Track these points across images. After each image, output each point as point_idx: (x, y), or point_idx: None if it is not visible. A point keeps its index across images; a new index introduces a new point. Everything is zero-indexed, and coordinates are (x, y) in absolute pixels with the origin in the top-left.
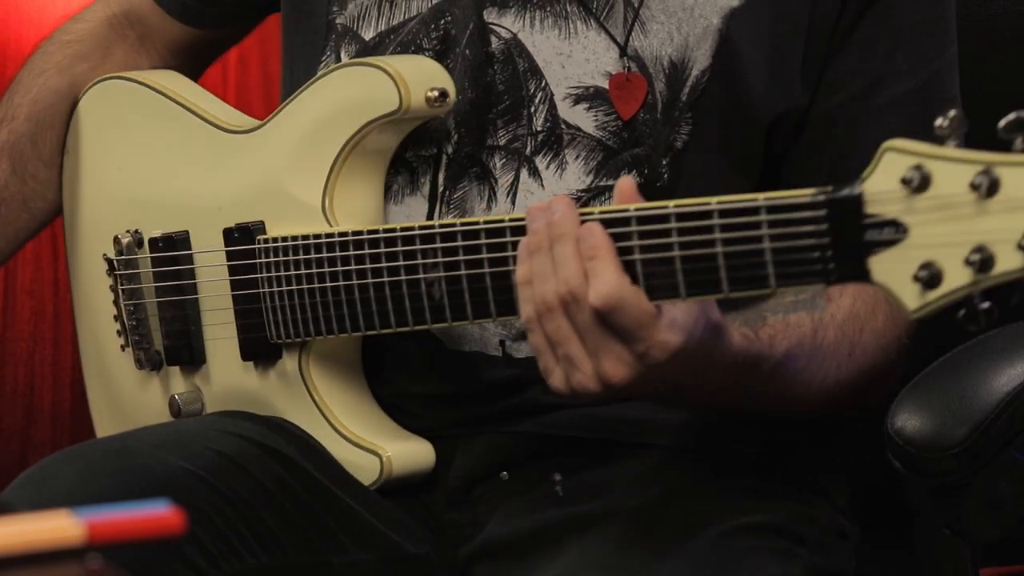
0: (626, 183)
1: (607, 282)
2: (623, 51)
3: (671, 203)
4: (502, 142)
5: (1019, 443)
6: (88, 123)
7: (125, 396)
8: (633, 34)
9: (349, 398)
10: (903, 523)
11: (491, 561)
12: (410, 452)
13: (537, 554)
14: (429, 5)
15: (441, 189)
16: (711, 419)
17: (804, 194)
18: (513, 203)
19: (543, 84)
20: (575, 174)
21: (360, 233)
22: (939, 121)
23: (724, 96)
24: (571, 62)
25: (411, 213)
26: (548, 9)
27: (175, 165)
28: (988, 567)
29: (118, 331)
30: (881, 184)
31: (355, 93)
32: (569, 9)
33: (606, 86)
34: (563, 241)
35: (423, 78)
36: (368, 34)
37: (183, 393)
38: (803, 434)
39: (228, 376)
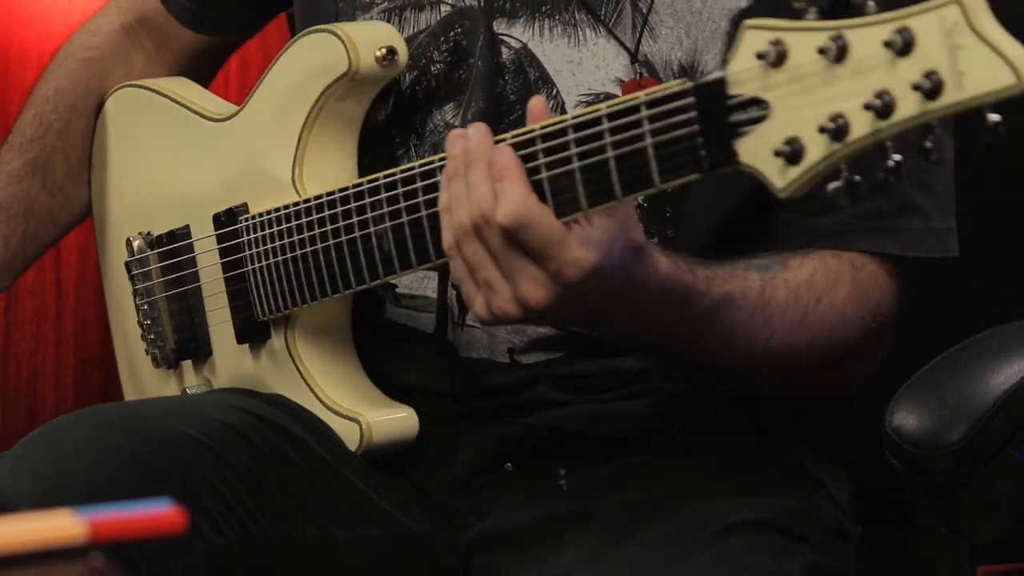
0: (536, 103)
1: (512, 199)
2: (634, 57)
3: (568, 116)
4: None
5: (1017, 442)
6: (106, 134)
7: (149, 394)
8: (643, 40)
9: (335, 369)
10: (902, 522)
11: (491, 552)
12: (391, 419)
13: (537, 547)
14: (438, 18)
15: None
16: (713, 417)
17: (675, 84)
18: None
19: (554, 92)
20: None
21: (320, 197)
22: None
23: None
24: (581, 69)
25: None
26: (557, 18)
27: (175, 163)
28: (985, 565)
29: (141, 335)
30: (742, 63)
31: (311, 61)
32: (578, 17)
33: (616, 92)
34: (476, 166)
35: (372, 39)
36: None
37: (193, 386)
38: (805, 433)
39: (230, 363)
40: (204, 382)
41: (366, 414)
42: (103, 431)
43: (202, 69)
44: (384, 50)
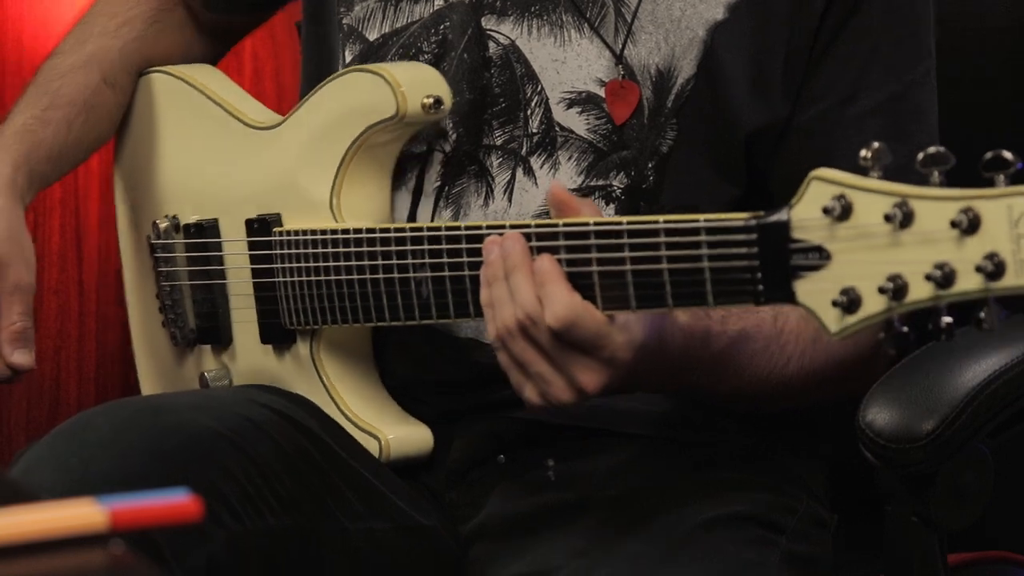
0: (556, 189)
1: (559, 302)
2: (618, 59)
3: (624, 219)
4: (499, 142)
5: (984, 435)
6: (134, 112)
7: (166, 369)
8: (624, 43)
9: (357, 382)
10: (877, 512)
11: (487, 542)
12: (408, 436)
13: (527, 537)
14: (431, 10)
15: (438, 184)
16: (696, 412)
17: (739, 217)
18: (510, 201)
19: (539, 88)
20: (567, 174)
21: (360, 231)
22: (863, 152)
23: (707, 104)
24: (565, 68)
25: (396, 207)
26: (544, 18)
27: (208, 157)
28: (955, 553)
29: (160, 308)
30: (807, 211)
31: (358, 98)
32: (564, 18)
33: (597, 91)
34: (517, 272)
35: (420, 85)
36: (372, 35)
37: (212, 371)
38: (784, 427)
39: (251, 357)
40: (222, 367)
41: (385, 431)
42: (128, 424)
43: (217, 46)
44: (432, 99)
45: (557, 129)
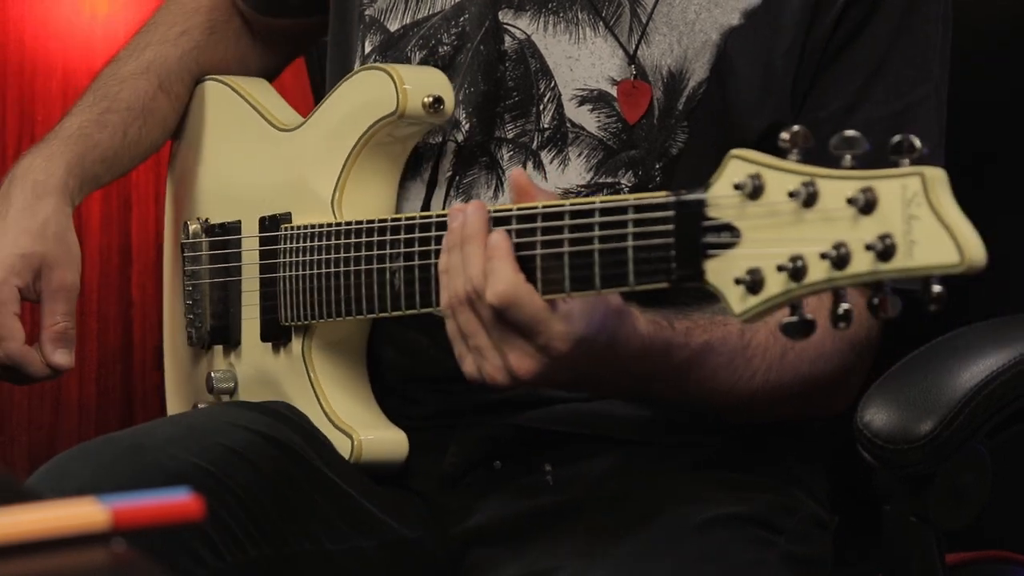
0: (518, 175)
1: (501, 279)
2: (632, 59)
3: (567, 202)
4: (510, 135)
5: (982, 436)
6: (187, 118)
7: (182, 370)
8: (639, 44)
9: (344, 381)
10: (876, 512)
11: (483, 546)
12: (383, 441)
13: (527, 541)
14: (452, 2)
15: (450, 174)
16: (694, 418)
17: (661, 195)
18: None
19: (552, 84)
20: (576, 170)
21: (350, 224)
22: (783, 134)
23: (719, 107)
24: (579, 65)
25: (409, 197)
26: (561, 15)
27: (241, 161)
28: (954, 553)
29: (184, 311)
30: (722, 189)
31: (366, 94)
32: (580, 16)
33: (608, 89)
34: (471, 242)
35: (423, 85)
36: (393, 25)
37: (218, 371)
38: (782, 428)
39: (254, 356)
40: (229, 368)
41: (360, 432)
42: (106, 469)
43: (272, 57)
44: (431, 98)
45: (568, 125)
